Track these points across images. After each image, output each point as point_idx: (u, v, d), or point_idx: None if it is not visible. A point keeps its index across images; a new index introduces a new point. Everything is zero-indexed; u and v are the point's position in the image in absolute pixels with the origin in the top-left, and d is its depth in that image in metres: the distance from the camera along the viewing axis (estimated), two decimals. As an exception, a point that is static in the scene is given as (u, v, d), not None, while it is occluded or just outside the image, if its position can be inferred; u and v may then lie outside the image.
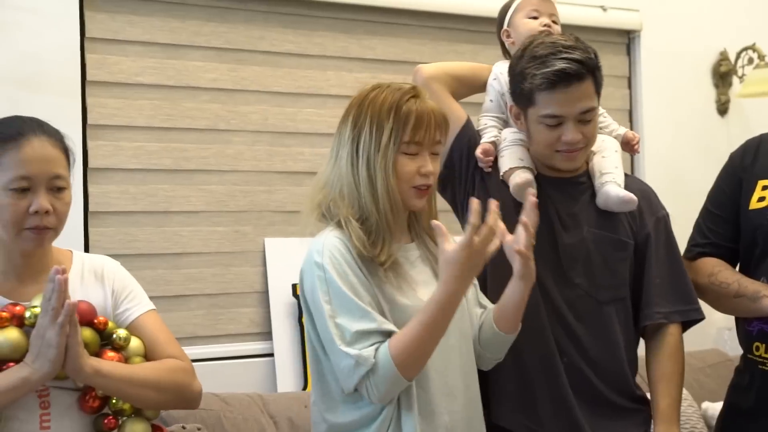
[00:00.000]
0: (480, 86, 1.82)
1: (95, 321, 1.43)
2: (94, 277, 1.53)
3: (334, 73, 2.56)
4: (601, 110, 1.74)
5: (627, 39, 3.12)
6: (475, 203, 1.36)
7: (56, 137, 1.45)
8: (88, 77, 2.21)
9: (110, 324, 1.46)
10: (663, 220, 1.74)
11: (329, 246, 1.45)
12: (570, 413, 1.64)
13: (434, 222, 1.42)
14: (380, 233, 1.47)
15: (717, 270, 1.77)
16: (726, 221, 1.83)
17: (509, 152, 1.72)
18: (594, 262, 1.68)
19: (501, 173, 1.71)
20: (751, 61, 3.09)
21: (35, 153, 1.40)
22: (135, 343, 1.49)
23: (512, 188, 1.66)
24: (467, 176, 1.74)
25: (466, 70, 1.85)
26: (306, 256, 1.50)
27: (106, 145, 2.24)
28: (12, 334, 1.37)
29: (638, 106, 3.09)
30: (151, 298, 2.27)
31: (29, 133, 1.43)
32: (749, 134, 1.95)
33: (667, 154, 2.99)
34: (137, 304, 1.56)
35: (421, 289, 1.50)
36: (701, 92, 3.29)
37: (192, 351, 2.14)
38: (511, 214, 1.61)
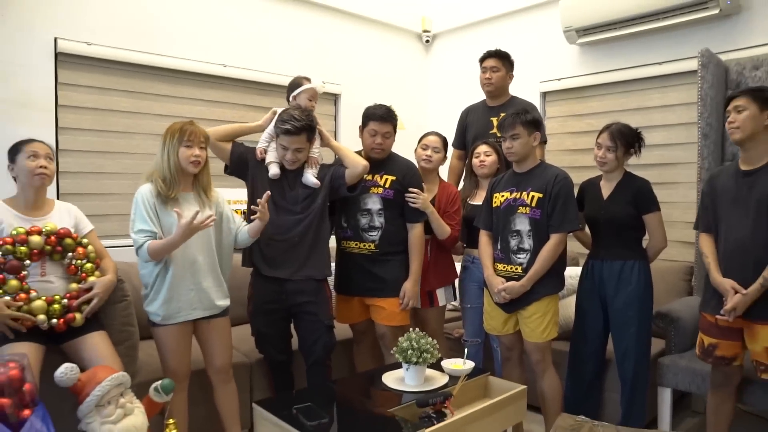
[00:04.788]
0: (245, 133, 2.74)
1: (72, 235, 2.35)
2: (68, 214, 2.42)
3: (152, 103, 3.60)
4: (316, 145, 2.71)
5: (334, 98, 4.54)
6: (177, 216, 2.17)
7: None
8: None
9: (79, 237, 2.38)
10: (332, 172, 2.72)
11: (142, 190, 2.31)
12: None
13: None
14: (170, 184, 2.30)
15: None
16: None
17: (270, 154, 2.69)
18: (304, 203, 2.65)
19: (266, 162, 2.65)
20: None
21: None
22: (90, 247, 2.41)
23: (270, 173, 2.63)
24: (249, 164, 2.66)
25: (232, 130, 2.73)
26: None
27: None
28: (34, 238, 2.24)
29: (339, 137, 4.38)
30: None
31: None
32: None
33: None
34: (86, 226, 2.48)
35: (186, 213, 2.27)
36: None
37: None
38: (268, 182, 2.64)
